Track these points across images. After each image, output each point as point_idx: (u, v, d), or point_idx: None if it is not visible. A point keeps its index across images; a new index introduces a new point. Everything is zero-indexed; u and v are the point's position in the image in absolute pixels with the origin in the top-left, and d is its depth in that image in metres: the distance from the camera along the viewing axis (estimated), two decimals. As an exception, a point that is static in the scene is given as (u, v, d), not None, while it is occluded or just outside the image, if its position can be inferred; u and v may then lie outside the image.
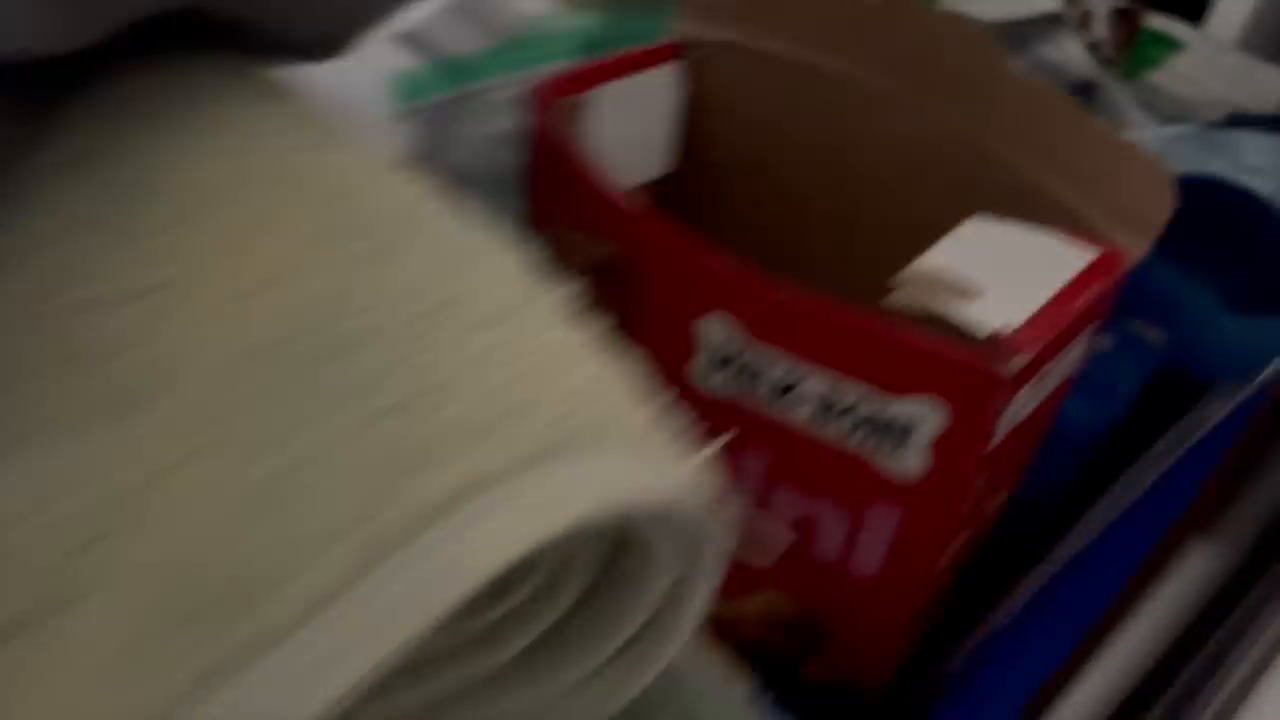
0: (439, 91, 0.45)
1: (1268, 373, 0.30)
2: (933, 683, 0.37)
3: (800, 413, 0.28)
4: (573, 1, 0.52)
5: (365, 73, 0.48)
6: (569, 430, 0.17)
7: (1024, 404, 0.28)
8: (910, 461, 0.28)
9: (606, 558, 0.20)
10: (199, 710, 0.14)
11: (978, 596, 0.39)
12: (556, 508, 0.16)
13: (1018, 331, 0.26)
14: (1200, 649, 0.40)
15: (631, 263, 0.29)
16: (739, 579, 0.34)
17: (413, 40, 0.50)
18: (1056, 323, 0.26)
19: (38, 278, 0.20)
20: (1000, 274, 0.27)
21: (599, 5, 0.52)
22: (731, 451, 0.31)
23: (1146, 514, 0.35)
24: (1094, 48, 0.48)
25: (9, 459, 0.17)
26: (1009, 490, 0.34)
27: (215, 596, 0.15)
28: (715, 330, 0.28)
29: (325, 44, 0.27)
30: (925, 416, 0.27)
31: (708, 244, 0.27)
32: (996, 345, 0.25)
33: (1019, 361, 0.25)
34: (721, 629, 0.37)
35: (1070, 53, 0.49)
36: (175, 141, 0.22)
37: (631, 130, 0.34)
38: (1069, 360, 0.29)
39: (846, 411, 0.28)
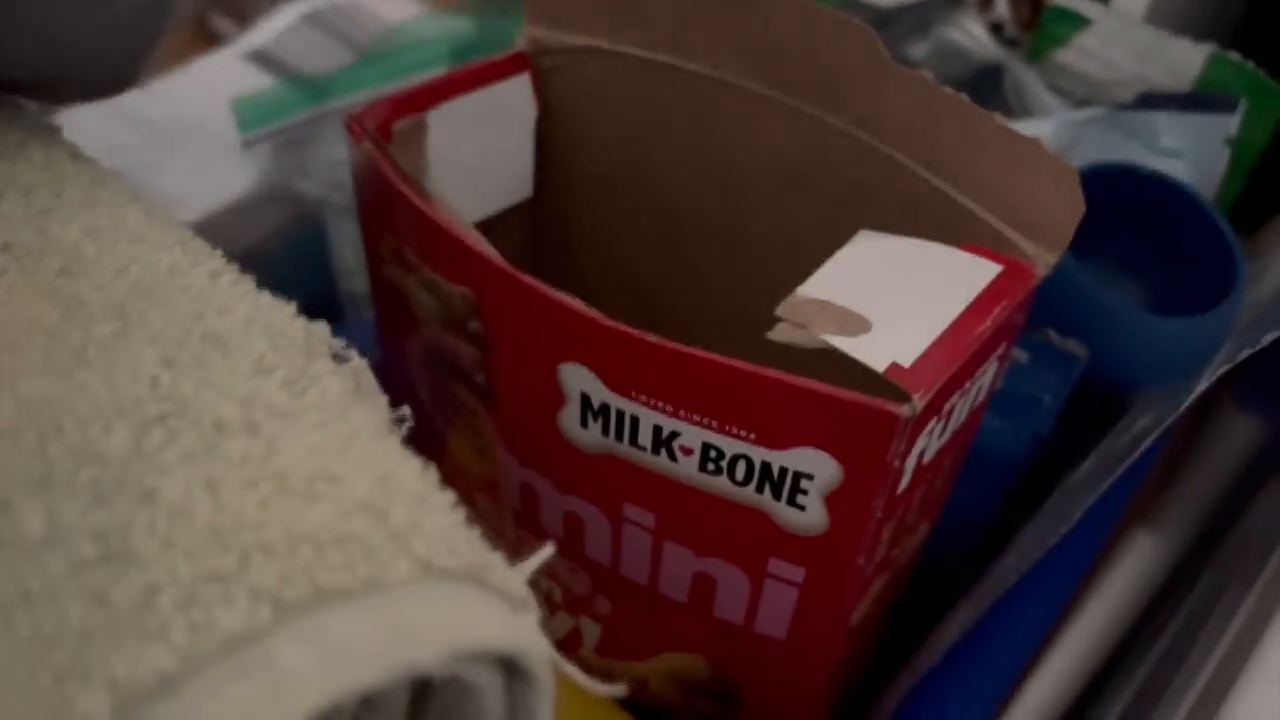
0: (291, 113, 0.41)
1: (1203, 385, 0.27)
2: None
3: (685, 465, 0.25)
4: (444, 4, 0.49)
5: (213, 96, 0.43)
6: (323, 572, 0.13)
7: (932, 440, 0.25)
8: (808, 515, 0.24)
9: (418, 693, 0.16)
10: None
11: (905, 633, 0.36)
12: (306, 680, 0.12)
13: (916, 364, 0.22)
14: (1158, 636, 0.38)
15: (484, 305, 0.26)
16: (647, 639, 0.31)
17: (264, 58, 0.46)
18: (960, 351, 0.23)
19: None
20: (895, 297, 0.24)
21: (471, 7, 0.49)
22: (615, 506, 0.27)
23: (1080, 537, 0.33)
24: (997, 29, 0.45)
25: None
26: (930, 524, 0.31)
27: None
28: (577, 378, 0.25)
29: (89, 84, 0.23)
30: (818, 466, 0.23)
31: (553, 288, 0.24)
32: (893, 383, 0.22)
33: (919, 400, 0.22)
34: (631, 692, 0.33)
35: (974, 35, 0.46)
36: None
37: (482, 152, 0.30)
38: (980, 385, 0.26)
39: (733, 464, 0.24)
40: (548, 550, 0.15)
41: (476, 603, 0.14)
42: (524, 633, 0.15)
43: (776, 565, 0.26)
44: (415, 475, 0.15)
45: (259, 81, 0.45)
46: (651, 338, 0.23)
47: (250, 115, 0.40)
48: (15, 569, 0.13)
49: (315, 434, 0.15)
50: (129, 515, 0.13)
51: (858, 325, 0.23)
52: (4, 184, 0.20)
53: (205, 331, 0.16)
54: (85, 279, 0.18)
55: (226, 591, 0.13)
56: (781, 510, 0.25)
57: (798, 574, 0.26)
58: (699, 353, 0.23)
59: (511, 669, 0.15)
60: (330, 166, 0.41)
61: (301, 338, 0.17)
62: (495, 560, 0.15)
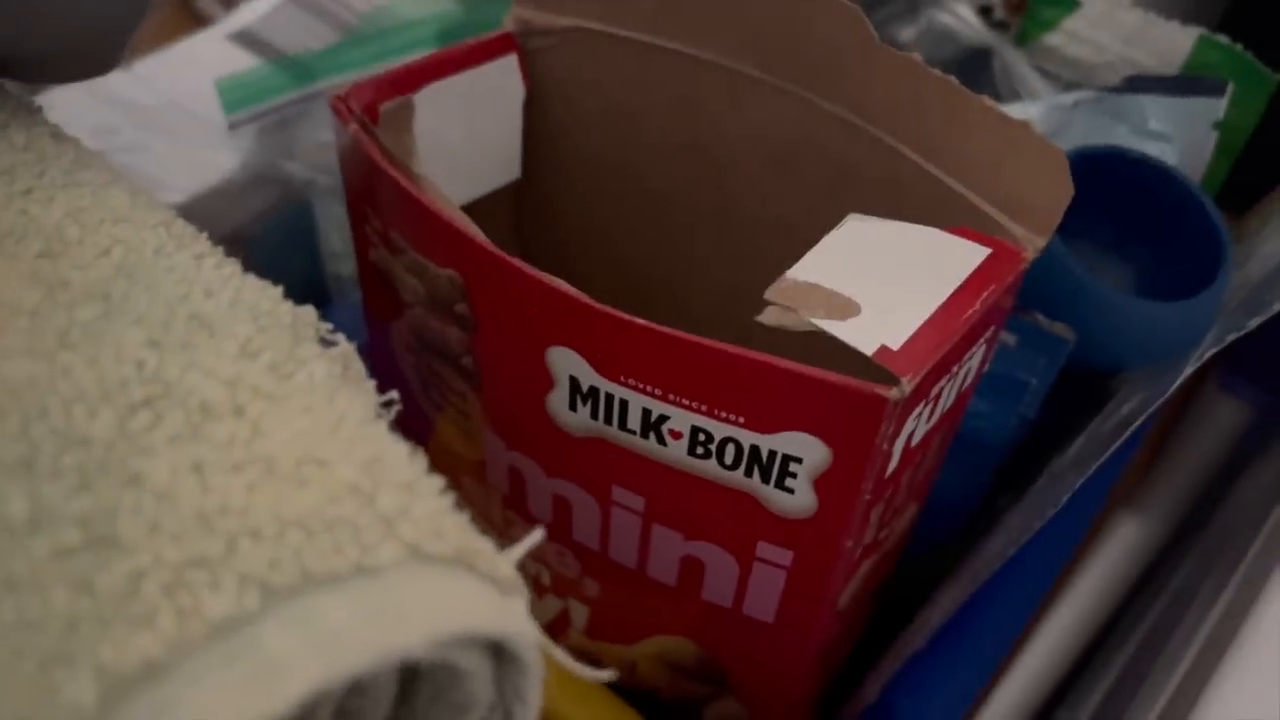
0: (277, 94, 0.41)
1: (1190, 369, 0.28)
2: (849, 717, 0.34)
3: (674, 449, 0.25)
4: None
5: (197, 77, 0.43)
6: (311, 556, 0.13)
7: (920, 423, 0.25)
8: (797, 498, 0.24)
9: (406, 677, 0.16)
10: None
11: (892, 616, 0.36)
12: (294, 665, 0.12)
13: (905, 348, 0.22)
14: (1142, 619, 0.38)
15: (471, 288, 0.26)
16: (635, 623, 0.31)
17: (249, 38, 0.46)
18: (949, 334, 0.23)
19: None
20: (883, 281, 0.24)
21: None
22: (603, 490, 0.27)
23: (1066, 520, 0.33)
24: (986, 11, 0.45)
25: None
26: (918, 506, 0.31)
27: None
28: (565, 362, 0.25)
29: (72, 62, 0.23)
30: (807, 449, 0.23)
31: (542, 269, 0.23)
32: (881, 366, 0.22)
33: (908, 384, 0.22)
34: (619, 675, 0.34)
35: (963, 18, 0.46)
36: None
37: (470, 134, 0.30)
38: (968, 368, 0.26)
39: (722, 447, 0.24)
40: (537, 535, 0.15)
41: (465, 587, 0.14)
42: (512, 617, 0.15)
43: (765, 548, 0.26)
44: (403, 460, 0.15)
45: (244, 62, 0.44)
46: (640, 321, 0.23)
47: (235, 96, 0.40)
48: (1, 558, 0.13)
49: (302, 418, 0.15)
50: (114, 499, 0.13)
51: (847, 308, 0.23)
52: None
53: (191, 313, 0.16)
54: (67, 260, 0.18)
55: (214, 576, 0.13)
56: (770, 493, 0.25)
57: (786, 557, 0.26)
58: (688, 336, 0.22)
59: (500, 653, 0.15)
60: (317, 148, 0.41)
61: (288, 321, 0.17)
62: (484, 544, 0.15)
